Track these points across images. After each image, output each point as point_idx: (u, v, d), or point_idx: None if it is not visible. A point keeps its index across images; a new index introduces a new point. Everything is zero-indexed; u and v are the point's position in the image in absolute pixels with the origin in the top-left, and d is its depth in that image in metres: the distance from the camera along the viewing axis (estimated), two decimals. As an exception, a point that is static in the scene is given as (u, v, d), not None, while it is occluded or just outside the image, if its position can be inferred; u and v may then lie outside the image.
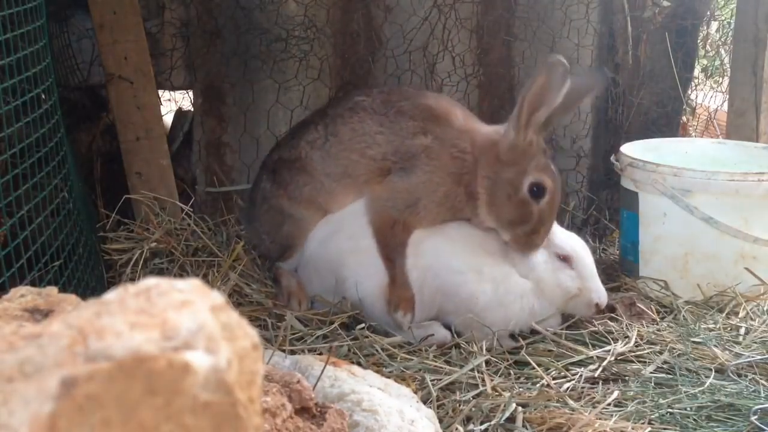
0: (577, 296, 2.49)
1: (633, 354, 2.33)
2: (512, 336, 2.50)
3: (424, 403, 1.82)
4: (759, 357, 2.30)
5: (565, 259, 2.49)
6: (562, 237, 2.53)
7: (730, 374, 2.23)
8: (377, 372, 1.93)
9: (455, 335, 2.48)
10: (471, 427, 1.91)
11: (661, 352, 2.34)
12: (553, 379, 2.19)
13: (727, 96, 3.66)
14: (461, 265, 2.49)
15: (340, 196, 2.65)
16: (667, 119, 3.63)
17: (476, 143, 2.52)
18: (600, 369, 2.23)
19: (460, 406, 2.01)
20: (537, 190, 2.42)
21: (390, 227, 2.54)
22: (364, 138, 2.61)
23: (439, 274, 2.50)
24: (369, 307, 2.55)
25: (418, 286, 2.51)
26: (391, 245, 2.54)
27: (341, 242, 2.59)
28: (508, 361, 2.30)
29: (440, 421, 1.84)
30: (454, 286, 2.48)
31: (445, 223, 2.56)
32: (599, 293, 2.49)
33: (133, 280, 2.60)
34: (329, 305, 2.58)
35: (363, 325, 2.45)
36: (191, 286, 0.82)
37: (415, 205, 2.53)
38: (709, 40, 4.17)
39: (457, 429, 1.87)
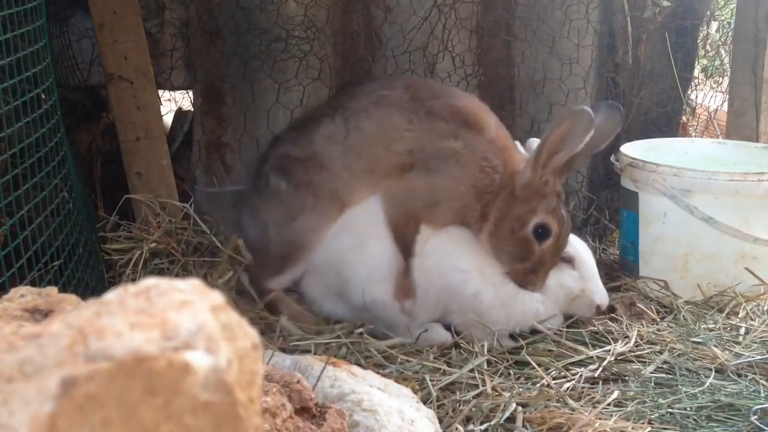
0: (579, 297, 2.50)
1: (633, 354, 2.33)
2: (512, 336, 2.50)
3: (424, 403, 1.82)
4: (759, 357, 2.30)
5: (567, 260, 2.50)
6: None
7: (730, 374, 2.23)
8: (377, 373, 1.93)
9: (455, 335, 2.48)
10: (471, 427, 1.91)
11: (661, 352, 2.34)
12: (553, 379, 2.19)
13: (727, 96, 3.66)
14: (465, 265, 2.49)
15: (360, 191, 2.58)
16: (667, 119, 3.63)
17: (507, 168, 2.50)
18: (600, 369, 2.23)
19: (460, 406, 2.01)
20: (542, 232, 2.43)
21: (407, 222, 2.51)
22: (390, 133, 2.54)
23: (444, 274, 2.50)
24: (376, 308, 2.52)
25: (424, 287, 2.50)
26: (408, 239, 2.51)
27: (344, 240, 2.58)
28: (508, 361, 2.30)
29: (440, 421, 1.84)
30: (459, 285, 2.48)
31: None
32: (600, 294, 2.51)
33: (133, 280, 2.60)
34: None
35: (361, 330, 2.44)
36: (191, 286, 0.82)
37: (434, 207, 2.51)
38: (709, 40, 4.18)
39: (457, 429, 1.87)
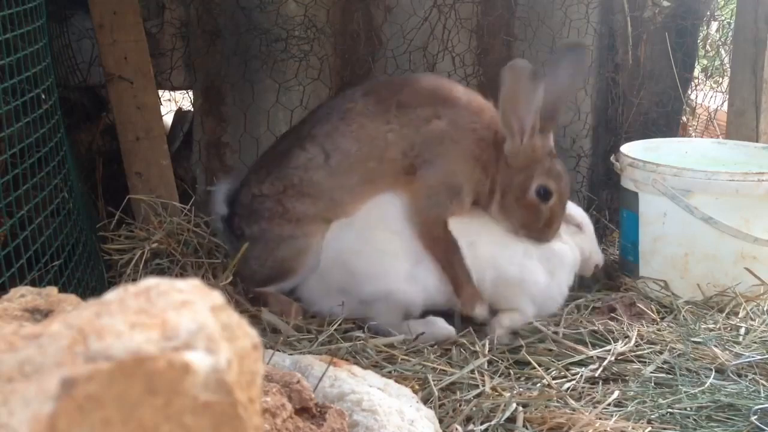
0: (587, 259, 2.72)
1: (633, 354, 2.32)
2: (513, 333, 2.50)
3: (425, 403, 1.82)
4: (759, 357, 2.30)
5: (576, 225, 2.71)
6: (570, 206, 2.72)
7: (730, 374, 2.23)
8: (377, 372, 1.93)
9: (457, 329, 2.47)
10: (471, 427, 1.91)
11: (661, 352, 2.33)
12: (554, 378, 2.18)
13: (727, 96, 3.66)
14: (512, 251, 2.57)
15: (356, 203, 2.54)
16: (667, 119, 3.63)
17: (492, 130, 2.52)
18: (600, 369, 2.23)
19: (460, 406, 2.01)
20: (544, 193, 2.53)
21: (442, 228, 2.49)
22: (375, 143, 2.50)
23: (496, 265, 2.55)
24: (378, 306, 2.49)
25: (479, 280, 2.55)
26: (445, 246, 2.49)
27: (346, 234, 2.54)
28: (508, 361, 2.30)
29: (440, 421, 1.84)
30: (512, 271, 2.55)
31: None
32: (599, 255, 2.76)
33: (133, 280, 2.60)
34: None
35: (361, 332, 2.42)
36: (191, 286, 0.82)
37: (459, 194, 2.51)
38: (709, 40, 4.17)
39: (456, 429, 1.87)
